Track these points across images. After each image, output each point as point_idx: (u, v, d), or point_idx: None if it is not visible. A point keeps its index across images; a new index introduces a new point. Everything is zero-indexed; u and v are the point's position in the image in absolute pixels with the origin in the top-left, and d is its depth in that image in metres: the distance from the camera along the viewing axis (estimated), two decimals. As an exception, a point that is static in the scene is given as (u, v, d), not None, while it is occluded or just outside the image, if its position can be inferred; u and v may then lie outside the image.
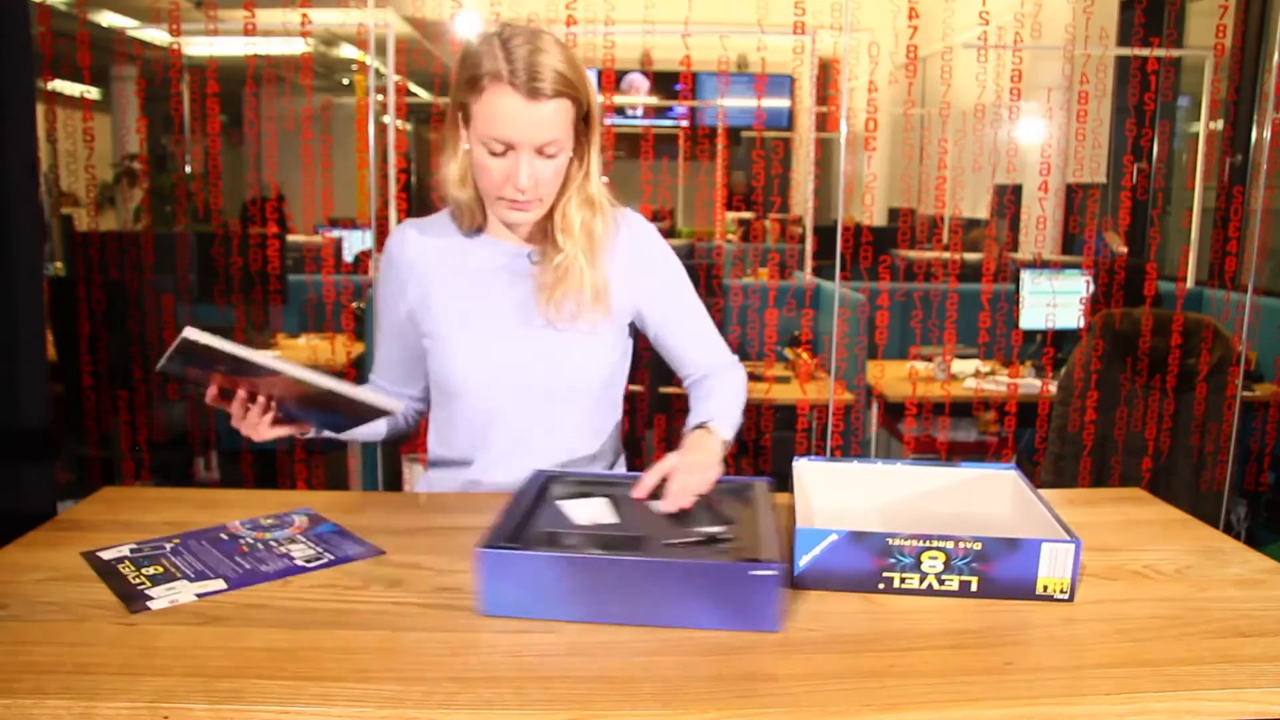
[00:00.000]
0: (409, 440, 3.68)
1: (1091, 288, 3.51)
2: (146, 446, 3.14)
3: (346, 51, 7.79)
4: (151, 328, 3.14)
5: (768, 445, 3.29)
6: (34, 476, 1.93)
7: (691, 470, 1.23)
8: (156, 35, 3.05)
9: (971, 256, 4.38)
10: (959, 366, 3.49)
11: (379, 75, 3.07)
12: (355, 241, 4.72)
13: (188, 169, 6.37)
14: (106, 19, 4.76)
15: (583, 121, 1.30)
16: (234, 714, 0.80)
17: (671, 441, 1.59)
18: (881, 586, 1.04)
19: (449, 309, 1.39)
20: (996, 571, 1.03)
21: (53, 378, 2.90)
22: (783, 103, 8.57)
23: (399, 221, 4.13)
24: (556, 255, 1.35)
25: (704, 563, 0.98)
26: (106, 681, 0.84)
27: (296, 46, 2.84)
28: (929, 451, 3.35)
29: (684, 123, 7.90)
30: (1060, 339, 3.55)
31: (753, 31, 2.90)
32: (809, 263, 4.04)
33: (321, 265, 4.54)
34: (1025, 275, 3.56)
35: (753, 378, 3.43)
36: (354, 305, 3.79)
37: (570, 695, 0.83)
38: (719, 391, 1.45)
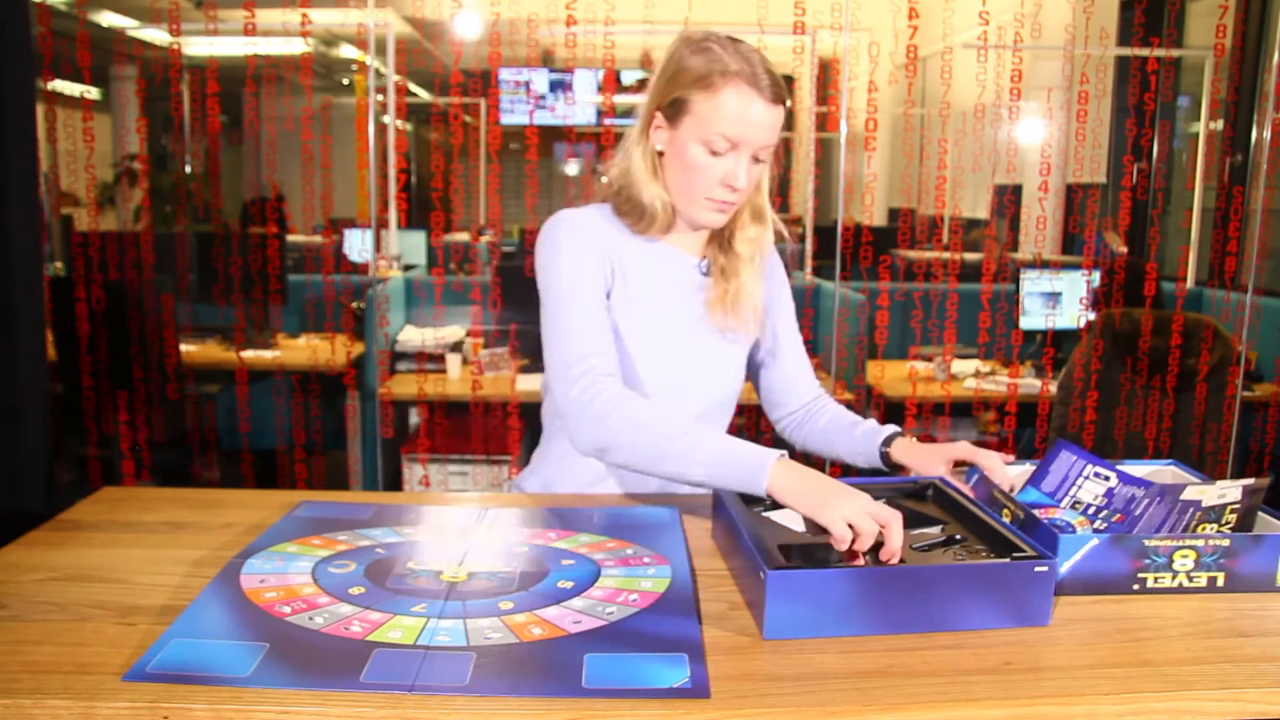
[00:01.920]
0: (410, 440, 3.66)
1: (1095, 284, 3.51)
2: (146, 446, 3.14)
3: (346, 51, 7.79)
4: (151, 328, 3.14)
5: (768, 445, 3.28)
6: (34, 476, 1.93)
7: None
8: (156, 35, 3.05)
9: (971, 256, 4.38)
10: (959, 366, 3.49)
11: (379, 75, 3.08)
12: (356, 241, 4.72)
13: (188, 169, 6.37)
14: (106, 19, 4.77)
15: None
16: (234, 714, 0.80)
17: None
18: (1136, 587, 1.05)
19: (629, 309, 1.35)
20: (1241, 566, 1.06)
21: (53, 378, 2.91)
22: (783, 103, 8.56)
23: (399, 222, 4.13)
24: (731, 264, 1.37)
25: (988, 563, 0.99)
26: (106, 681, 0.84)
27: (296, 46, 2.84)
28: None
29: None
30: (1060, 339, 3.55)
31: (753, 31, 2.90)
32: (809, 263, 4.04)
33: (321, 265, 4.55)
34: (1025, 275, 3.56)
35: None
36: (354, 305, 3.79)
37: (571, 695, 0.83)
38: (860, 419, 1.45)
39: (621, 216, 1.36)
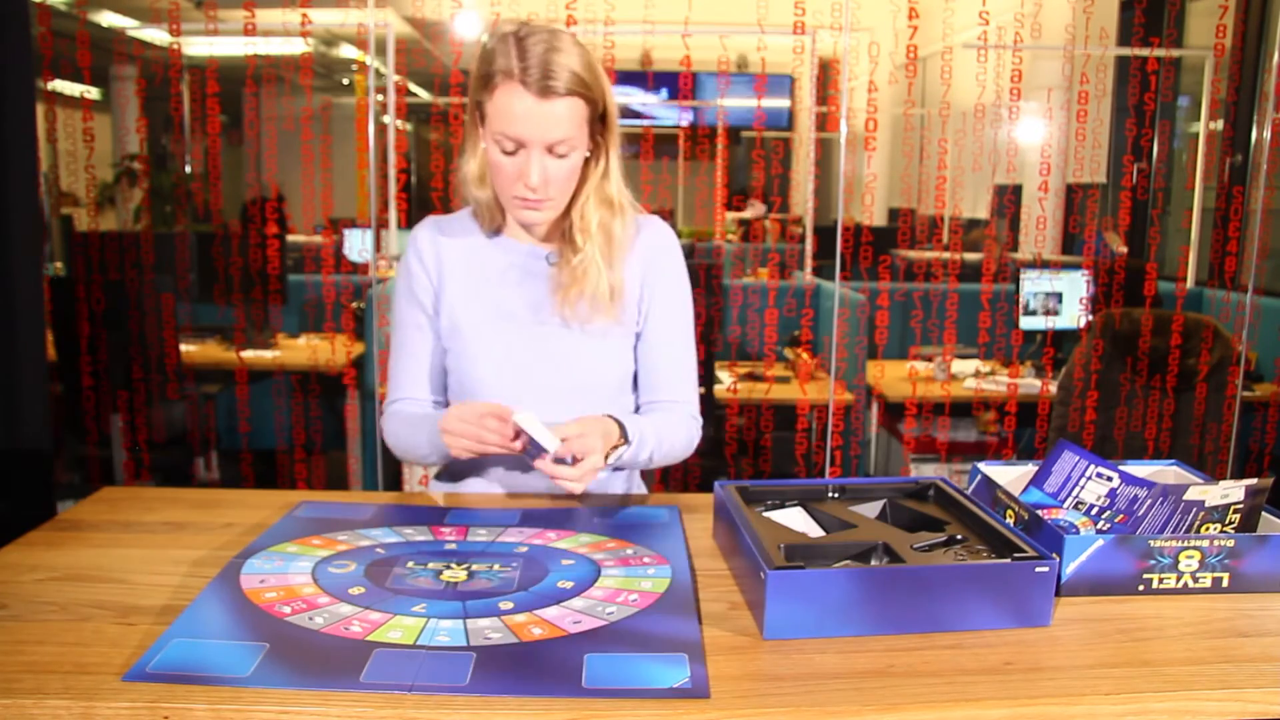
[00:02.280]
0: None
1: (1091, 288, 3.51)
2: (146, 446, 3.14)
3: (346, 51, 7.79)
4: (151, 328, 3.14)
5: (768, 445, 3.29)
6: (34, 477, 1.93)
7: (592, 443, 1.22)
8: (156, 35, 3.05)
9: (971, 256, 4.38)
10: (959, 366, 3.49)
11: (379, 75, 3.08)
12: (356, 241, 4.71)
13: (188, 169, 6.37)
14: (106, 19, 4.77)
15: (599, 121, 1.31)
16: (234, 714, 0.80)
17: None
18: (1141, 588, 1.05)
19: (468, 308, 1.39)
20: (1246, 566, 1.05)
21: (53, 378, 2.91)
22: (783, 103, 8.58)
23: (399, 222, 4.13)
24: (574, 255, 1.35)
25: (988, 564, 0.99)
26: (106, 681, 0.84)
27: (296, 46, 2.84)
28: (929, 452, 3.35)
29: (684, 122, 7.91)
30: (1060, 339, 3.55)
31: (753, 31, 2.90)
32: (809, 263, 4.04)
33: (321, 265, 4.54)
34: (1025, 275, 3.56)
35: (753, 378, 3.45)
36: (354, 305, 3.79)
37: (570, 695, 0.83)
38: (660, 423, 1.38)
39: (475, 217, 1.42)
